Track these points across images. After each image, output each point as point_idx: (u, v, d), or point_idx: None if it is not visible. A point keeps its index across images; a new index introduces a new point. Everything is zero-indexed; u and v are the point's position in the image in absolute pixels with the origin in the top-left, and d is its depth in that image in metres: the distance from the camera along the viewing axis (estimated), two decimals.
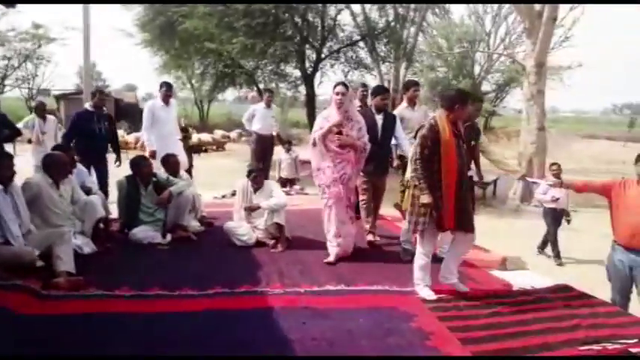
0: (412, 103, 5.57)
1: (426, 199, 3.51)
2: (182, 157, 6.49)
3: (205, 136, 19.54)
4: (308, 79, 14.63)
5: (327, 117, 4.42)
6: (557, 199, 5.93)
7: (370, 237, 5.11)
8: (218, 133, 21.45)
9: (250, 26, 11.77)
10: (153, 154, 6.25)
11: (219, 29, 12.04)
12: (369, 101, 5.64)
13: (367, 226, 5.15)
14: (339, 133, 4.34)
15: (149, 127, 6.47)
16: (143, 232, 4.91)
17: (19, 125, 7.21)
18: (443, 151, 3.50)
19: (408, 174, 3.90)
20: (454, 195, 3.53)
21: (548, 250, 6.21)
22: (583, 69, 26.68)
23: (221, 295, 3.53)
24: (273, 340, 2.89)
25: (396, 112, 5.51)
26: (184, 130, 8.26)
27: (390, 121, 5.04)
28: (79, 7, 10.84)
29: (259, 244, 4.87)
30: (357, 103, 5.84)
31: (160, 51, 15.76)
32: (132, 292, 3.48)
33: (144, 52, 15.91)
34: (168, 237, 4.94)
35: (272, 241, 4.84)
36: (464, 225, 3.60)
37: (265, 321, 3.13)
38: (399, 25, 14.66)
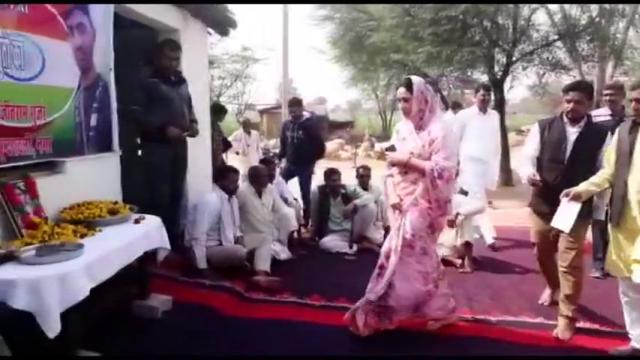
0: None
1: None
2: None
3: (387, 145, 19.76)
4: (498, 84, 13.75)
5: (398, 130, 3.30)
6: None
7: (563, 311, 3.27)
8: None
9: (437, 34, 11.57)
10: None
11: (405, 40, 12.09)
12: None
13: (545, 295, 3.71)
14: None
15: (458, 141, 5.17)
16: (332, 242, 5.15)
17: (230, 138, 8.22)
18: None
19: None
20: None
21: None
22: None
23: None
24: None
25: None
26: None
27: (592, 136, 3.24)
28: (280, 28, 12.03)
29: (444, 262, 4.68)
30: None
31: (349, 65, 16.50)
32: (322, 302, 3.64)
33: (334, 67, 16.84)
34: (355, 247, 5.09)
35: (458, 261, 4.63)
36: None
37: (454, 350, 2.97)
38: (604, 20, 12.85)
